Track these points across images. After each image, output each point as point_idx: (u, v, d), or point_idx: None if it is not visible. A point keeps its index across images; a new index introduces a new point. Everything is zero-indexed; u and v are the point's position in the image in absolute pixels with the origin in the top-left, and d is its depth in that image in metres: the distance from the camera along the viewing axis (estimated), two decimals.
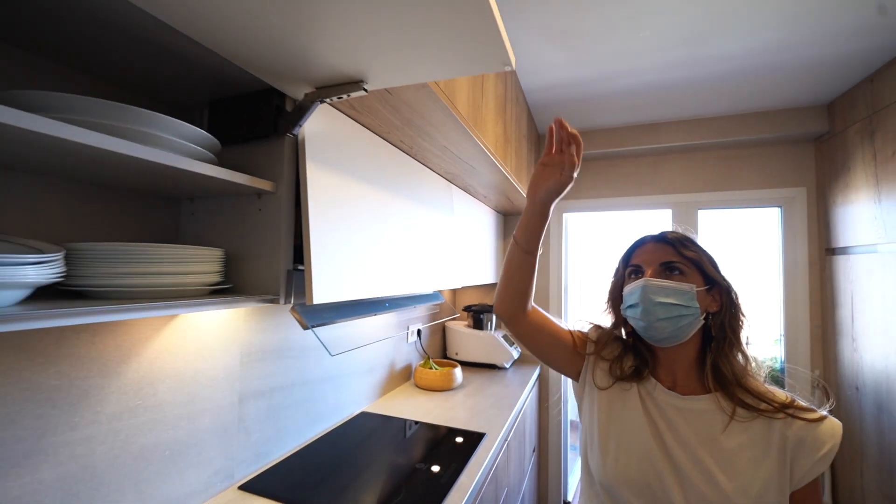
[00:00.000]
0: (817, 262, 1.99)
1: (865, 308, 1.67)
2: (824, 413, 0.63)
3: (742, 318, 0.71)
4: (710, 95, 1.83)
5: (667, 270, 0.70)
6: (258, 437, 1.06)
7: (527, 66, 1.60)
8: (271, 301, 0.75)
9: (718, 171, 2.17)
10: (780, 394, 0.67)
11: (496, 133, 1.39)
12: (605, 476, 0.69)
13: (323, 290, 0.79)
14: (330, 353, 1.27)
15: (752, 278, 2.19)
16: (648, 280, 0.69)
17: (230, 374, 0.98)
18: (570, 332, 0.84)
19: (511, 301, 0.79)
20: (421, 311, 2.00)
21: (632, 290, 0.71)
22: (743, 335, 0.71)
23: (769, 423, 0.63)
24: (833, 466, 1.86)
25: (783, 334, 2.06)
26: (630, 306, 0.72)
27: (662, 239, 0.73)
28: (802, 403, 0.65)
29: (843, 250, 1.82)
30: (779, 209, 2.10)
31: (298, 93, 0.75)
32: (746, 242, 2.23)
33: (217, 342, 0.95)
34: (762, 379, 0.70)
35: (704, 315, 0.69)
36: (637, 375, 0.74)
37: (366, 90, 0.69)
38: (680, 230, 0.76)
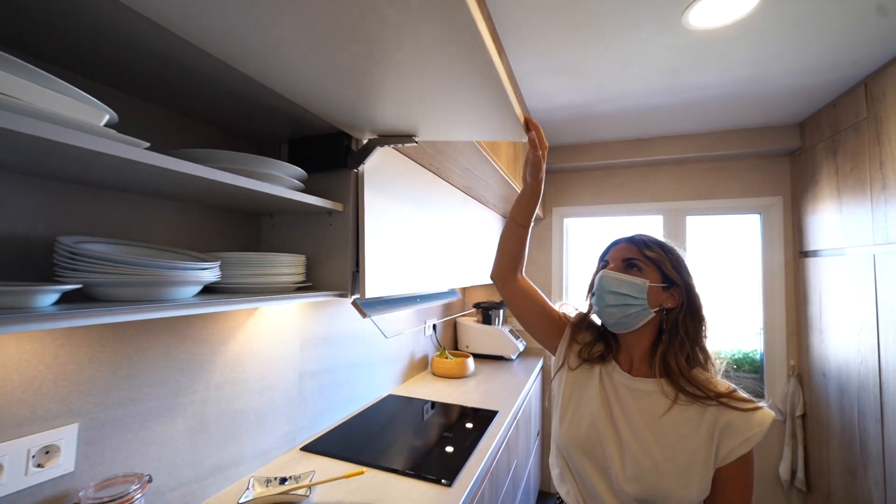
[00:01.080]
0: (792, 263, 2.21)
1: (830, 305, 1.90)
2: (760, 404, 0.70)
3: (703, 319, 0.77)
4: (695, 115, 2.05)
5: (627, 266, 0.79)
6: (312, 410, 1.28)
7: (533, 92, 1.82)
8: (341, 295, 0.97)
9: (704, 182, 2.39)
10: (722, 385, 0.73)
11: (508, 154, 1.62)
12: (560, 438, 0.81)
13: (373, 287, 1.01)
14: (385, 336, 1.53)
15: (736, 278, 2.41)
16: (605, 272, 0.79)
17: (293, 357, 1.20)
18: (554, 312, 0.95)
19: (504, 265, 0.94)
20: (437, 307, 2.22)
21: (594, 280, 0.82)
22: (704, 337, 0.77)
23: (705, 408, 0.71)
24: (805, 445, 2.08)
25: (763, 328, 2.28)
26: (592, 294, 0.83)
27: (631, 240, 0.82)
28: (742, 395, 0.72)
29: (814, 253, 2.04)
30: (758, 216, 2.33)
31: (363, 137, 0.99)
32: (730, 246, 2.45)
33: (285, 330, 1.17)
34: (719, 372, 0.77)
35: (658, 309, 0.77)
36: (602, 359, 0.84)
37: (416, 142, 0.94)
38: (661, 237, 0.84)
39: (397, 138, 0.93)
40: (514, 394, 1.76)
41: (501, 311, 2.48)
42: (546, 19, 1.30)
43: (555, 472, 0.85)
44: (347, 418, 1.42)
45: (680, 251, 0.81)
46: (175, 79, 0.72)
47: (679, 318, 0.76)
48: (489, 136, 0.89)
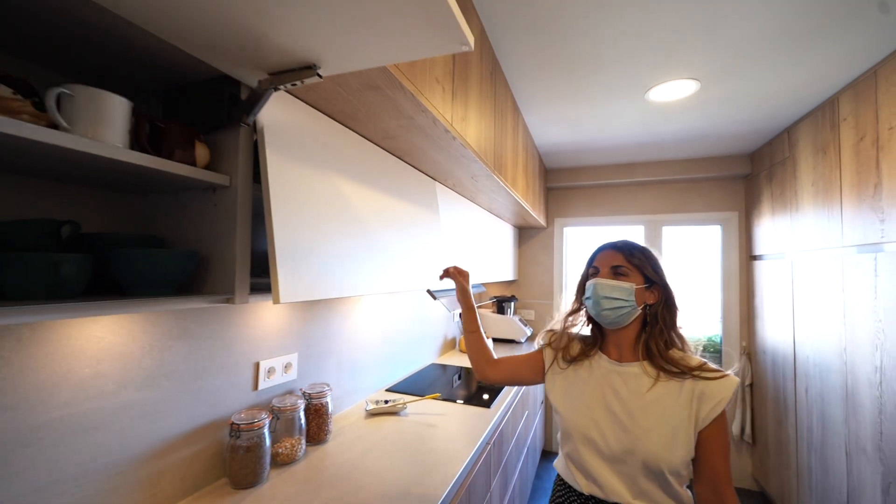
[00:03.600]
0: (745, 265, 2.78)
1: (768, 298, 2.47)
2: (727, 373, 0.80)
3: (676, 309, 0.87)
4: (668, 148, 2.61)
5: (614, 272, 0.88)
6: (392, 366, 1.85)
7: (544, 134, 2.39)
8: (227, 301, 0.74)
9: (677, 199, 2.96)
10: (695, 361, 0.83)
11: (523, 185, 2.19)
12: (564, 423, 0.91)
13: (294, 287, 0.78)
14: (448, 310, 2.09)
15: (701, 277, 2.98)
16: (599, 280, 0.88)
17: (383, 330, 1.77)
18: (529, 356, 1.05)
19: (480, 365, 1.11)
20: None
21: (589, 286, 0.90)
22: (678, 321, 0.87)
23: (682, 382, 0.81)
24: (752, 408, 2.65)
25: (722, 317, 2.85)
26: (587, 298, 0.91)
27: (616, 247, 0.91)
28: (712, 366, 0.82)
29: (759, 257, 2.61)
30: (720, 227, 2.90)
31: (251, 79, 0.73)
32: (697, 251, 3.02)
33: (379, 311, 1.74)
34: (694, 352, 0.87)
35: (643, 306, 0.87)
36: (584, 355, 0.93)
37: (320, 76, 0.66)
38: (640, 242, 0.93)
39: (293, 73, 0.68)
40: None
41: (513, 304, 3.05)
42: (553, 92, 1.87)
43: (560, 455, 0.96)
44: (408, 375, 1.99)
45: (655, 253, 0.92)
46: (16, 19, 0.59)
47: (658, 310, 0.87)
48: (421, 49, 0.63)
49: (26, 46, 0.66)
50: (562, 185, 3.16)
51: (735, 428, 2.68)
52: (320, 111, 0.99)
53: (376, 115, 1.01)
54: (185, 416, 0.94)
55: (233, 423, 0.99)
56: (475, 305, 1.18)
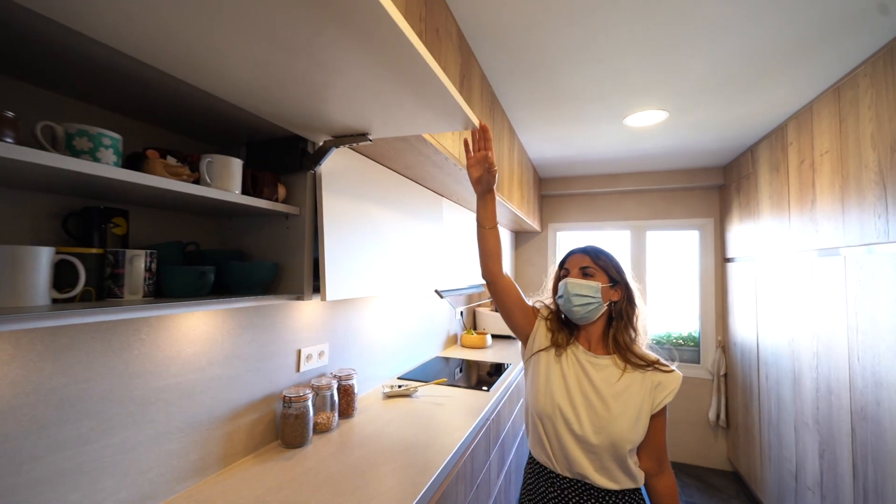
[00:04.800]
0: (720, 267, 3.06)
1: (738, 296, 2.74)
2: (673, 368, 0.95)
3: (636, 306, 0.99)
4: (648, 161, 2.89)
5: (583, 273, 0.99)
6: (403, 357, 2.11)
7: (537, 150, 2.66)
8: (297, 298, 1.00)
9: (660, 206, 3.24)
10: (651, 356, 0.97)
11: (519, 197, 2.45)
12: (538, 407, 0.98)
13: (335, 289, 1.06)
14: (453, 307, 2.35)
15: (681, 277, 3.25)
16: (570, 280, 0.98)
17: (396, 325, 2.03)
18: (527, 306, 1.12)
19: (488, 264, 1.08)
20: (466, 296, 3.06)
21: (561, 285, 1.00)
22: (638, 318, 0.99)
23: (644, 373, 0.94)
24: (726, 396, 2.92)
25: (699, 313, 3.13)
26: (559, 296, 1.01)
27: (584, 251, 1.02)
28: (664, 362, 0.96)
29: (731, 259, 2.89)
30: (697, 232, 3.17)
31: (318, 139, 1.00)
32: (678, 254, 3.29)
33: (392, 309, 2.00)
34: (646, 345, 1.00)
35: (608, 303, 0.98)
36: (566, 344, 1.02)
37: (370, 140, 0.94)
38: (603, 247, 1.05)
39: (351, 138, 0.95)
40: (518, 358, 2.59)
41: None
42: (544, 118, 2.14)
43: (531, 438, 1.03)
44: (416, 366, 2.25)
45: (617, 257, 1.03)
46: (138, 92, 0.75)
47: (623, 306, 0.98)
48: (438, 126, 0.90)
49: (178, 123, 0.93)
50: (555, 193, 3.43)
51: (712, 415, 2.95)
52: (363, 154, 1.30)
53: (403, 155, 1.28)
54: (250, 389, 1.20)
55: (285, 396, 1.25)
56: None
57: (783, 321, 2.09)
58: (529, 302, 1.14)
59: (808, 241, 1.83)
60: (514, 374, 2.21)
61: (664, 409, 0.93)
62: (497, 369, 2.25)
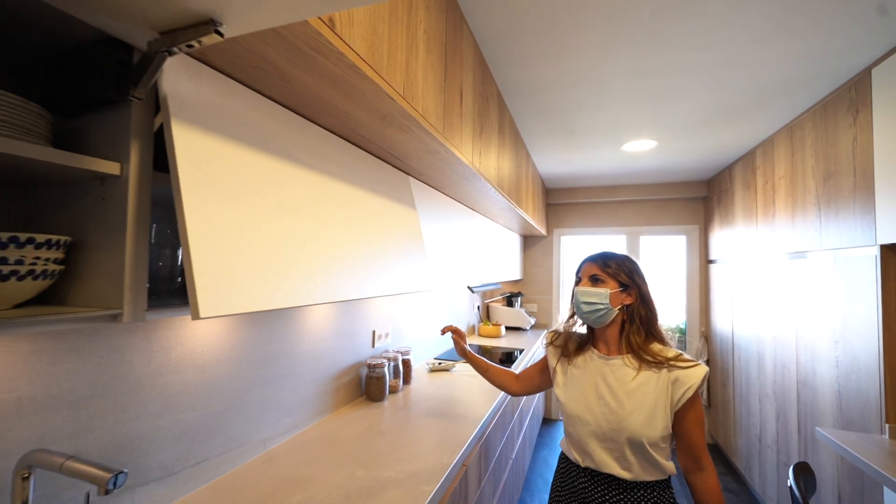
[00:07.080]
0: (704, 268, 3.51)
1: (718, 293, 3.19)
2: (699, 362, 0.95)
3: (652, 306, 1.03)
4: (642, 176, 3.33)
5: (592, 280, 1.05)
6: (434, 344, 2.53)
7: (547, 168, 3.09)
8: (113, 318, 0.59)
9: (651, 214, 3.68)
10: (671, 352, 0.98)
11: (532, 207, 2.89)
12: (564, 410, 1.07)
13: (220, 300, 0.62)
14: (472, 303, 2.77)
15: (671, 277, 3.70)
16: (578, 288, 1.06)
17: (431, 315, 2.45)
18: (540, 363, 1.23)
19: (504, 388, 1.35)
20: (485, 292, 3.49)
21: (572, 293, 1.09)
22: (656, 318, 1.03)
23: (660, 370, 0.96)
24: (709, 382, 3.37)
25: (686, 308, 3.58)
26: (574, 304, 1.09)
27: (593, 260, 1.08)
28: (686, 357, 0.97)
29: (713, 261, 3.33)
30: (685, 237, 3.62)
31: (140, 41, 0.57)
32: (668, 256, 3.74)
33: (433, 302, 2.42)
34: (673, 343, 1.02)
35: (621, 307, 1.02)
36: (580, 350, 1.09)
37: (221, 34, 0.51)
38: (621, 252, 1.10)
39: (190, 30, 0.51)
40: (529, 345, 3.03)
41: (519, 298, 3.75)
42: (554, 144, 2.57)
43: (564, 436, 1.11)
44: (445, 351, 2.68)
45: (634, 260, 1.06)
46: None
47: (636, 309, 1.01)
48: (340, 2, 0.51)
49: None
50: (560, 202, 3.87)
51: None
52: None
53: (458, 183, 1.70)
54: (345, 357, 1.62)
55: (369, 363, 1.67)
56: (474, 354, 1.47)
57: (752, 313, 2.53)
58: (545, 342, 1.22)
59: (770, 247, 2.28)
60: (527, 358, 2.64)
61: (691, 404, 0.94)
62: (509, 356, 2.69)
